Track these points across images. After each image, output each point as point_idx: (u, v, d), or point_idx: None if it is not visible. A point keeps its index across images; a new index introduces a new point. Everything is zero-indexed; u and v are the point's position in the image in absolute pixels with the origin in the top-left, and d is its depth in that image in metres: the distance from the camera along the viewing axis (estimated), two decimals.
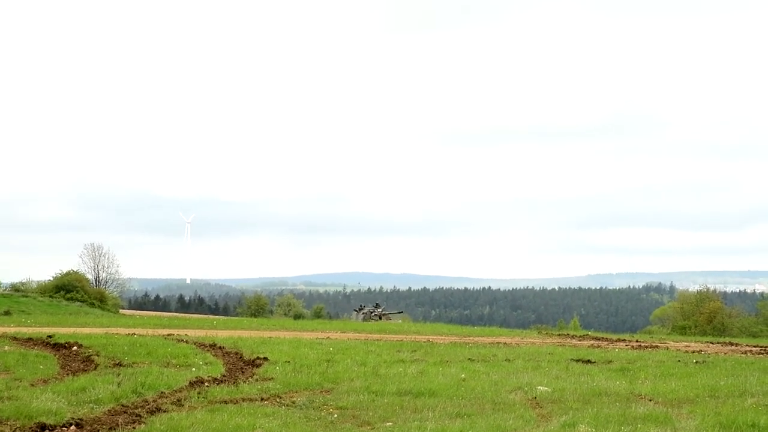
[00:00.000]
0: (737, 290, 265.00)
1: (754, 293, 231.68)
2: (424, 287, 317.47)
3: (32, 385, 17.29)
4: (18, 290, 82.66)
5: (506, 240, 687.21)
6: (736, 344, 36.14)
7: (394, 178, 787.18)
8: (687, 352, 30.04)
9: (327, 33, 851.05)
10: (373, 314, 63.88)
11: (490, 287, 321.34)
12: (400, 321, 63.07)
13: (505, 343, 32.48)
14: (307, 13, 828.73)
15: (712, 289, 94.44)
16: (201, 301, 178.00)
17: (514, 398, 17.03)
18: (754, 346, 34.20)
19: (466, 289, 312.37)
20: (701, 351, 30.57)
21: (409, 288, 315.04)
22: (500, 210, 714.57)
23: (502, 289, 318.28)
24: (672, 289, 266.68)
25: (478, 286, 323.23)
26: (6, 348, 24.70)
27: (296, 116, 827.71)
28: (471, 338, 35.62)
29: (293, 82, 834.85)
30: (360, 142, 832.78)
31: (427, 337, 35.78)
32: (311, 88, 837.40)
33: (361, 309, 67.68)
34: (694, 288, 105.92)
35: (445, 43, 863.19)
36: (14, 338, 28.33)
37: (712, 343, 36.61)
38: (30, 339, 27.89)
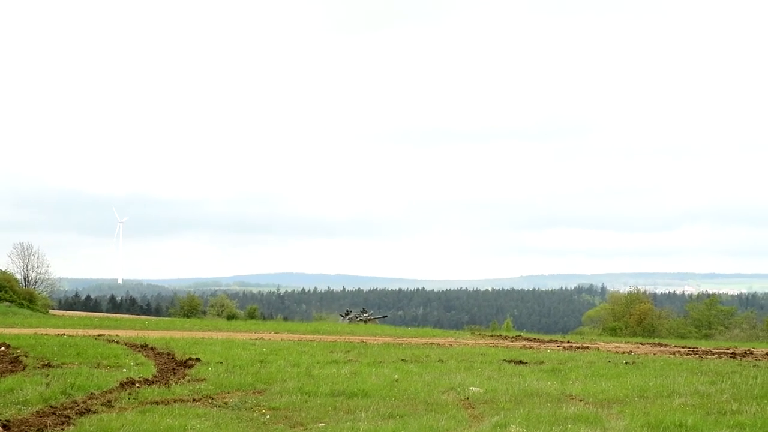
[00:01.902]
0: (667, 292, 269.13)
1: (683, 294, 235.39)
2: (359, 288, 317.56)
3: None
4: None
5: (441, 241, 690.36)
6: (665, 345, 36.68)
7: (330, 179, 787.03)
8: (617, 352, 30.42)
9: (268, 32, 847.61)
10: (358, 319, 64.00)
11: (423, 288, 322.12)
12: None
13: (438, 344, 32.61)
14: (250, 11, 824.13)
15: (642, 290, 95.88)
16: (133, 301, 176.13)
17: (446, 399, 17.11)
18: (683, 347, 34.76)
19: (400, 290, 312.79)
20: (631, 352, 30.98)
21: (344, 288, 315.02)
22: (435, 211, 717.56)
23: (435, 290, 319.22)
24: (603, 290, 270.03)
25: (412, 287, 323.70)
26: None
27: (232, 115, 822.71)
28: (404, 339, 35.71)
29: (231, 81, 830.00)
30: (296, 142, 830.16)
31: (360, 337, 35.80)
32: (248, 87, 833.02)
33: (347, 314, 67.70)
34: (624, 289, 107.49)
35: (385, 44, 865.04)
36: None
37: (642, 344, 37.13)
38: None
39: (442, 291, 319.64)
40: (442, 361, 24.94)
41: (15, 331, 32.75)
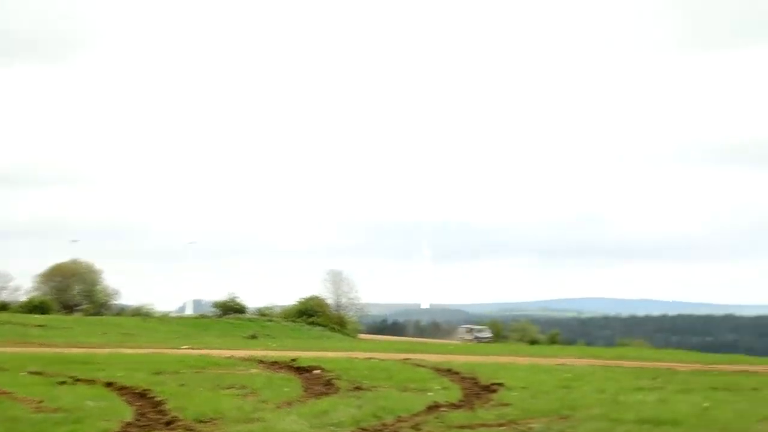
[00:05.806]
0: None
1: None
2: (664, 313, 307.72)
3: (277, 407, 17.89)
4: (263, 314, 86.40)
5: (752, 264, 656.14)
6: None
7: (633, 200, 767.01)
8: None
9: None
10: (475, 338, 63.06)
11: (733, 314, 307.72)
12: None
13: (750, 372, 31.16)
14: None
15: None
16: (437, 326, 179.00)
17: (763, 429, 16.33)
18: None
19: (708, 315, 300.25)
20: None
21: (647, 314, 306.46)
22: (745, 233, 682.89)
23: (747, 316, 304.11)
24: None
25: (720, 312, 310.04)
26: (253, 371, 25.80)
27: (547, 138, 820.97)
28: (714, 366, 34.38)
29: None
30: (606, 161, 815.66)
31: (667, 364, 34.81)
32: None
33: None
34: None
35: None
36: (260, 361, 29.55)
37: None
38: (275, 362, 29.00)
39: (754, 316, 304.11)
40: (756, 389, 23.79)
41: (329, 354, 34.20)
